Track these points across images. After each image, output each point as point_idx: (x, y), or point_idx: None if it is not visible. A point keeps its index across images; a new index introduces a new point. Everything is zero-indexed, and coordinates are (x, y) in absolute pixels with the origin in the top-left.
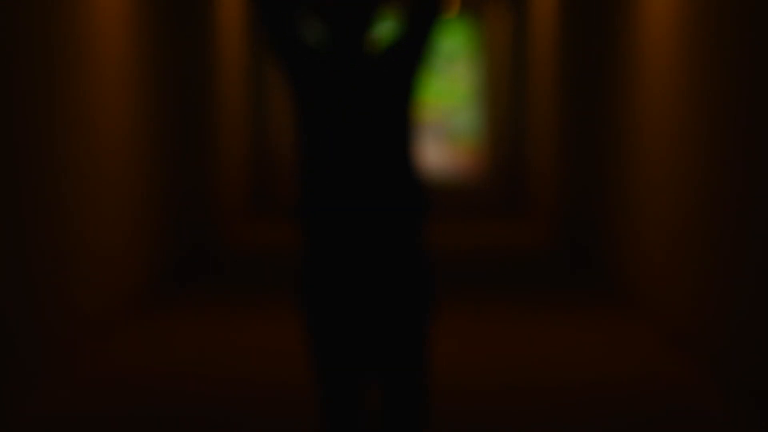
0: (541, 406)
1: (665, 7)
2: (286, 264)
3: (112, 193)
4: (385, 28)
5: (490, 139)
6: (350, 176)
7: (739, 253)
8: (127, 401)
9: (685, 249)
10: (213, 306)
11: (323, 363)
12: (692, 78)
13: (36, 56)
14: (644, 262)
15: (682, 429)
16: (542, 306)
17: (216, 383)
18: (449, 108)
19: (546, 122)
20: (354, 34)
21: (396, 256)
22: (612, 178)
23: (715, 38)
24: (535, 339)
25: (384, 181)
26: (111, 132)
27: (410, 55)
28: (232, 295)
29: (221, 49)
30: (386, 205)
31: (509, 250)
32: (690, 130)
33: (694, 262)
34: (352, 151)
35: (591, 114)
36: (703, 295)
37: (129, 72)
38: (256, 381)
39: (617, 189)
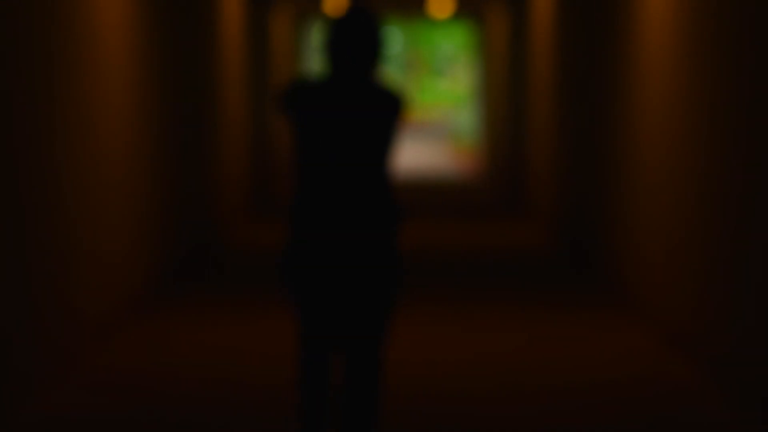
0: (542, 409)
1: (664, 8)
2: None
3: (113, 195)
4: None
5: (488, 141)
6: (335, 190)
7: (740, 254)
8: (126, 403)
9: (686, 250)
10: (213, 307)
11: (304, 330)
12: (691, 79)
13: (36, 58)
14: (644, 264)
15: (683, 431)
16: (541, 309)
17: (215, 385)
18: (449, 109)
19: (544, 124)
20: (352, 72)
21: (367, 254)
22: (612, 180)
23: (715, 39)
24: (535, 342)
25: (362, 195)
26: (112, 134)
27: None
28: (232, 296)
29: (222, 50)
30: (362, 214)
31: (508, 252)
32: (690, 130)
33: (695, 263)
34: (337, 170)
35: (590, 115)
36: (704, 297)
37: (130, 74)
38: (255, 383)
39: (617, 190)
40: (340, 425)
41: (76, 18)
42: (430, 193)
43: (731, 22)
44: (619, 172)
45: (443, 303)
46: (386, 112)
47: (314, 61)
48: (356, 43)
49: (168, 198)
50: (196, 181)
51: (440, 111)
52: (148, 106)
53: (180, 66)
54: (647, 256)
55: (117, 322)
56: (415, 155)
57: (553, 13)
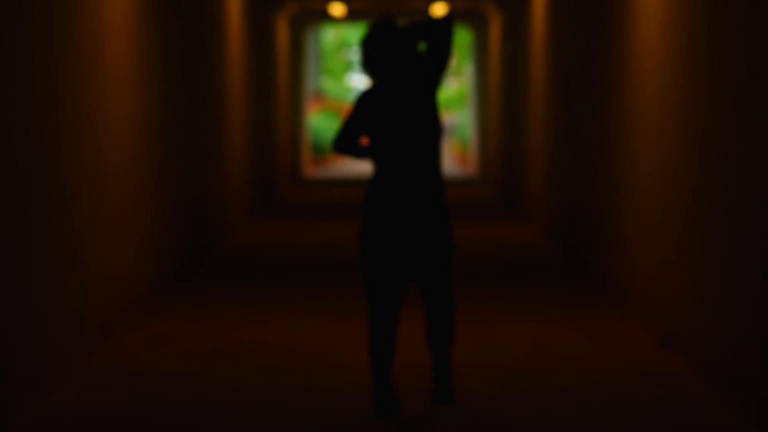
0: (540, 410)
1: (662, 8)
2: (286, 265)
3: (116, 197)
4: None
5: (486, 142)
6: (403, 172)
7: (737, 255)
8: (126, 405)
9: (684, 251)
10: (214, 310)
11: (372, 275)
12: (687, 82)
13: (37, 65)
14: (642, 265)
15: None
16: (539, 312)
17: (216, 388)
18: (451, 109)
19: (541, 126)
20: (390, 76)
21: (430, 214)
22: (609, 181)
23: (712, 42)
24: (533, 344)
25: (423, 175)
26: (114, 135)
27: (433, 87)
28: (234, 298)
29: (225, 53)
30: (424, 188)
31: (505, 254)
32: (688, 133)
33: (693, 264)
34: (404, 159)
35: (586, 118)
36: (703, 299)
37: (134, 78)
38: (255, 386)
39: (615, 192)
40: (430, 350)
41: (79, 21)
42: None
43: (728, 23)
44: (615, 174)
45: None
46: (424, 94)
47: (316, 63)
48: (385, 51)
49: (172, 200)
50: (200, 183)
51: (444, 111)
52: (152, 108)
53: (183, 69)
54: (645, 257)
55: (117, 323)
56: None
57: (548, 16)
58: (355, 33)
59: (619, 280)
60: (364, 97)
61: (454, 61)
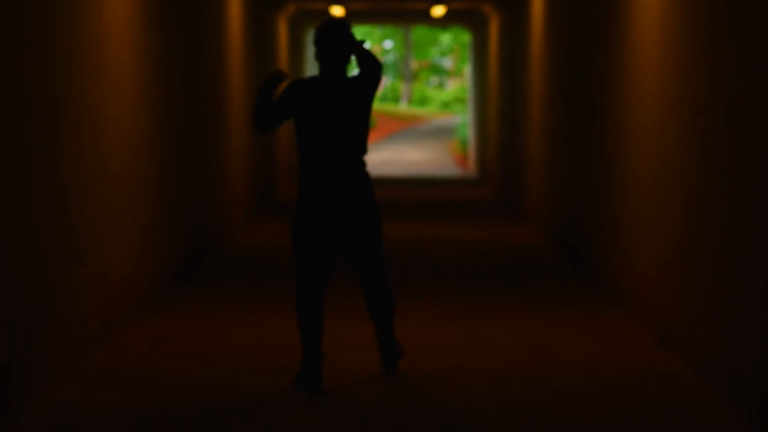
0: (540, 411)
1: (661, 8)
2: (286, 265)
3: (117, 198)
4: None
5: (485, 143)
6: (328, 162)
7: (737, 255)
8: (127, 404)
9: (684, 254)
10: (215, 309)
11: (301, 255)
12: (686, 83)
13: (38, 67)
14: (641, 266)
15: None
16: (538, 312)
17: (216, 387)
18: (452, 110)
19: (539, 128)
20: (335, 69)
21: (355, 199)
22: (607, 182)
23: (710, 43)
24: (533, 345)
25: (347, 164)
26: (114, 136)
27: (367, 94)
28: (235, 298)
29: (226, 54)
30: (348, 176)
31: (505, 254)
32: (688, 133)
33: (693, 267)
34: (329, 147)
35: (585, 119)
36: (702, 299)
37: (135, 80)
38: (256, 386)
39: (614, 193)
40: (373, 322)
41: (81, 24)
42: (427, 192)
43: (728, 23)
44: (615, 175)
45: (438, 302)
46: (359, 92)
47: (316, 64)
48: (331, 48)
49: (172, 200)
50: (200, 183)
51: (443, 112)
52: (153, 109)
53: (184, 69)
54: (645, 258)
55: (118, 323)
56: (417, 156)
57: (547, 16)
58: (355, 33)
59: (619, 280)
60: (297, 85)
61: (453, 62)
